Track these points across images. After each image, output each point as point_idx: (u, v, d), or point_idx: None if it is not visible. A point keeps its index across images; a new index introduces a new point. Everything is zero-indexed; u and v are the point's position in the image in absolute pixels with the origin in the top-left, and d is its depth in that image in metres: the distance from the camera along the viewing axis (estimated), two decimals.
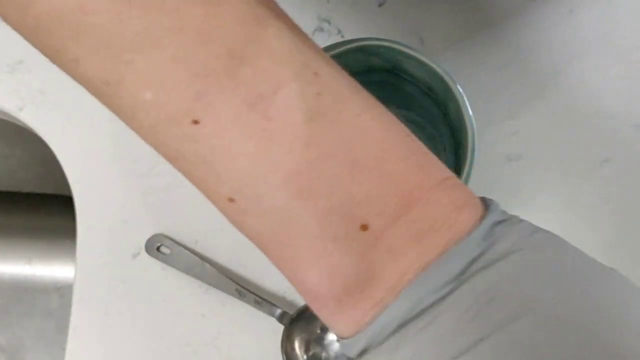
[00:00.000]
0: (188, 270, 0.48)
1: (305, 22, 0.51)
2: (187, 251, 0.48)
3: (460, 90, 0.40)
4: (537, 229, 0.25)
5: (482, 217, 0.25)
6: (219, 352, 0.48)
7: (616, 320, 0.23)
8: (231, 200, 0.25)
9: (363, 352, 0.25)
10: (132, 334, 0.48)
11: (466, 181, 0.39)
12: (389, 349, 0.24)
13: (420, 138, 0.45)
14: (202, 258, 0.48)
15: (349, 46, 0.41)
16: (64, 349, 0.49)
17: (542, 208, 0.48)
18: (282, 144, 0.24)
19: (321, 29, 0.51)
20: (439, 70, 0.41)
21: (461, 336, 0.23)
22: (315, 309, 0.26)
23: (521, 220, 0.26)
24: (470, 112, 0.40)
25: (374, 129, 0.25)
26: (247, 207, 0.25)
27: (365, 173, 0.24)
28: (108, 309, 0.49)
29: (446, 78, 0.40)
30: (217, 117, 0.24)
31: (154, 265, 0.49)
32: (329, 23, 0.51)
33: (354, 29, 0.51)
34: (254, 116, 0.24)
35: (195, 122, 0.24)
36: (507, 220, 0.25)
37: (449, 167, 0.44)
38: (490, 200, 0.26)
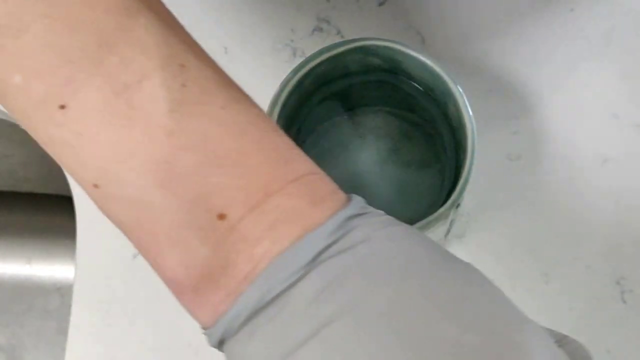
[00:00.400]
0: None
1: (305, 22, 0.51)
2: None
3: (460, 90, 0.40)
4: (393, 223, 0.26)
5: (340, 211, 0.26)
6: (219, 352, 0.48)
7: (451, 312, 0.23)
8: (96, 186, 0.26)
9: (221, 342, 0.25)
10: (132, 334, 0.48)
11: (466, 181, 0.39)
12: (243, 340, 0.24)
13: (419, 138, 0.45)
14: None
15: (348, 46, 0.41)
16: (64, 349, 0.49)
17: (541, 207, 0.48)
18: (145, 133, 0.25)
19: (320, 29, 0.51)
20: (439, 70, 0.41)
21: (307, 323, 0.23)
22: (177, 298, 0.26)
23: (381, 215, 0.27)
24: (470, 112, 0.40)
25: (237, 123, 0.26)
26: (111, 194, 0.25)
27: (224, 164, 0.25)
28: (108, 309, 0.49)
29: (446, 78, 0.40)
30: (83, 104, 0.25)
31: None
32: (329, 23, 0.51)
33: (354, 29, 0.51)
34: (118, 104, 0.25)
35: (62, 107, 0.25)
36: (366, 214, 0.26)
37: (449, 167, 0.44)
38: (355, 196, 0.27)
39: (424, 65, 0.41)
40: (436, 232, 0.41)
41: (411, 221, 0.39)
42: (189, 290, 0.26)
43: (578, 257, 0.47)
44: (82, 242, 0.50)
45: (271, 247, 0.24)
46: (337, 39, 0.50)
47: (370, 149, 0.45)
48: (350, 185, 0.45)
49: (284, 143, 0.27)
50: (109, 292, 0.49)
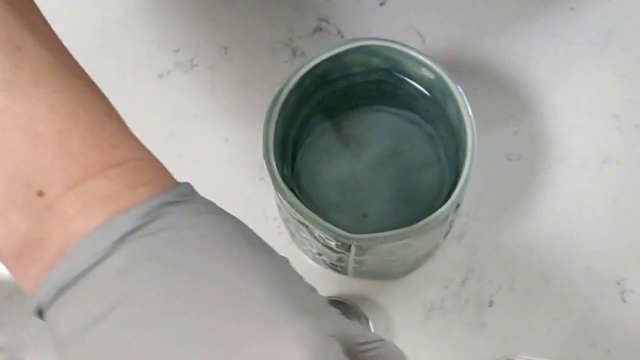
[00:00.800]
0: None
1: (305, 21, 0.51)
2: None
3: (460, 90, 0.40)
4: (210, 211, 0.27)
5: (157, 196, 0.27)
6: None
7: (231, 300, 0.25)
8: None
9: (39, 312, 0.27)
10: None
11: (466, 181, 0.39)
12: (55, 312, 0.26)
13: (419, 137, 0.45)
14: None
15: (348, 46, 0.41)
16: None
17: (541, 208, 0.47)
18: None
19: (321, 29, 0.51)
20: (439, 70, 0.41)
21: (106, 299, 0.25)
22: (6, 268, 0.28)
23: (202, 203, 0.28)
24: (470, 112, 0.40)
25: (67, 106, 0.27)
26: None
27: (48, 145, 0.26)
28: None
29: (446, 78, 0.40)
30: None
31: None
32: (329, 23, 0.51)
33: (354, 29, 0.51)
34: None
35: None
36: (183, 201, 0.27)
37: (449, 167, 0.44)
38: (184, 184, 0.28)
39: (424, 65, 0.41)
40: (436, 232, 0.41)
41: (411, 221, 0.39)
42: (10, 260, 0.27)
43: (578, 257, 0.47)
44: None
45: (83, 226, 0.26)
46: (338, 39, 0.50)
47: (370, 148, 0.45)
48: (350, 184, 0.45)
49: (115, 129, 0.28)
50: None
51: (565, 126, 0.49)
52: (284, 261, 0.28)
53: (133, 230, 0.26)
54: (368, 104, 0.46)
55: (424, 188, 0.44)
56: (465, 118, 0.40)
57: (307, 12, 0.51)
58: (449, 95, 0.41)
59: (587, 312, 0.46)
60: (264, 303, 0.25)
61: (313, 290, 0.28)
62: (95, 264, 0.25)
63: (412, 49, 0.41)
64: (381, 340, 0.27)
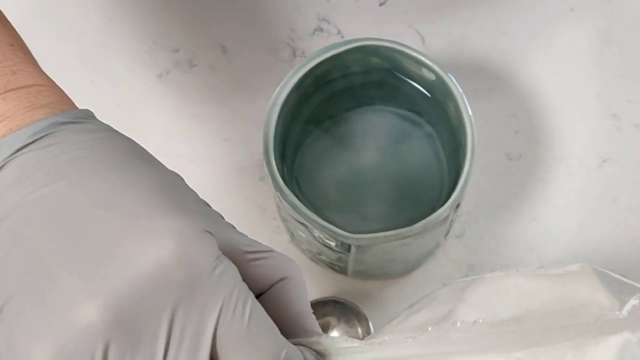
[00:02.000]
0: None
1: (305, 21, 0.51)
2: None
3: (460, 89, 0.40)
4: (101, 130, 0.28)
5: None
6: None
7: (103, 202, 0.26)
8: None
9: None
10: None
11: (466, 181, 0.39)
12: None
13: (419, 137, 0.45)
14: None
15: (348, 46, 0.41)
16: None
17: (541, 207, 0.48)
18: None
19: (321, 29, 0.51)
20: (438, 70, 0.41)
21: None
22: None
23: (95, 124, 0.29)
24: (470, 112, 0.40)
25: None
26: None
27: None
28: None
29: (446, 78, 0.41)
30: None
31: None
32: (329, 23, 0.51)
33: (354, 29, 0.51)
34: None
35: None
36: (79, 122, 0.28)
37: (449, 167, 0.44)
38: (81, 109, 0.29)
39: (424, 66, 0.41)
40: (436, 232, 0.41)
41: (411, 221, 0.39)
42: None
43: (578, 256, 0.47)
44: None
45: None
46: (337, 39, 0.50)
47: (370, 148, 0.45)
48: (349, 184, 0.45)
49: (18, 58, 0.30)
50: None
51: (565, 125, 0.49)
52: (174, 174, 0.28)
53: (24, 146, 0.27)
54: (368, 104, 0.46)
55: (424, 188, 0.45)
56: (465, 118, 0.40)
57: (307, 12, 0.51)
58: (449, 95, 0.41)
59: None
60: (141, 203, 0.26)
61: (204, 203, 0.28)
62: None
63: (412, 49, 0.41)
64: (271, 250, 0.28)
